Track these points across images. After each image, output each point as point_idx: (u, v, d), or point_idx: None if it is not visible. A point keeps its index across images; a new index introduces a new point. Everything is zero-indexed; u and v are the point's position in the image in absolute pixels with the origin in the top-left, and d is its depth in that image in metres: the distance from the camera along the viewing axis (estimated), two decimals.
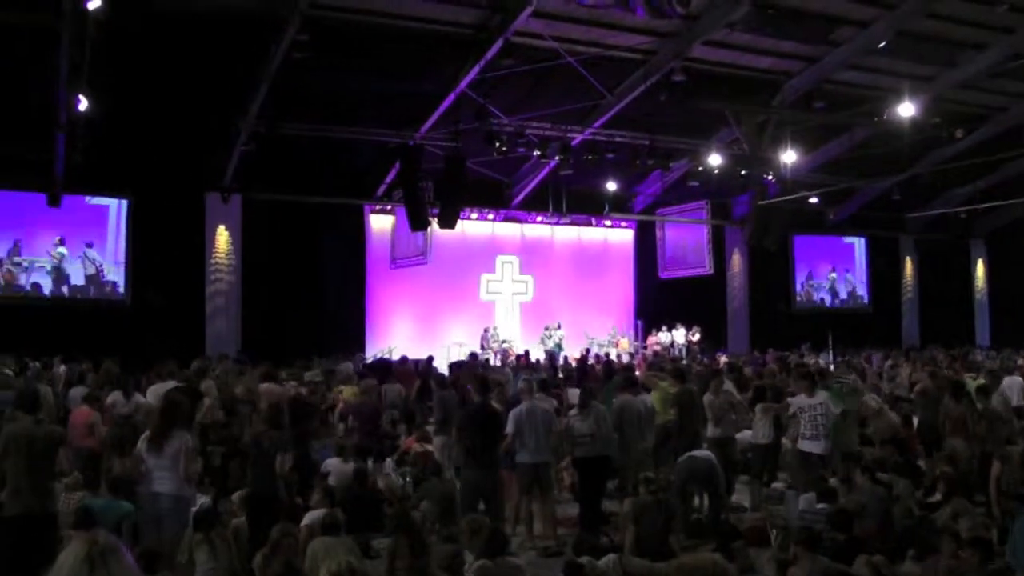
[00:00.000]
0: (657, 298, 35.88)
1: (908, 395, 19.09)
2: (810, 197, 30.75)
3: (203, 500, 10.39)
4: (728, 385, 15.27)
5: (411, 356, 24.66)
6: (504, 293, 33.99)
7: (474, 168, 27.79)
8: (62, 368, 20.55)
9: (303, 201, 28.64)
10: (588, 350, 30.80)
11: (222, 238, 28.19)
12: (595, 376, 21.02)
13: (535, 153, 27.10)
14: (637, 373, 18.82)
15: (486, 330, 31.50)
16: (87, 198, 27.33)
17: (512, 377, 20.54)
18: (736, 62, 26.58)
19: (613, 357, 29.29)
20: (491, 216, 33.50)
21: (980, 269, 43.91)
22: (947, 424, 14.30)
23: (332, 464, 12.71)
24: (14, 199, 26.40)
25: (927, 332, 40.12)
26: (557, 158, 27.20)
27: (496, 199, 33.05)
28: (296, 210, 28.67)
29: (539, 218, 33.94)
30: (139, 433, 10.40)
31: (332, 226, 30.09)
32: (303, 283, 29.01)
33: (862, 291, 41.67)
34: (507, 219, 33.87)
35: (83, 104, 20.35)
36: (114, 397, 14.30)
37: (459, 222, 27.42)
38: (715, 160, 28.41)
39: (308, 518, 9.77)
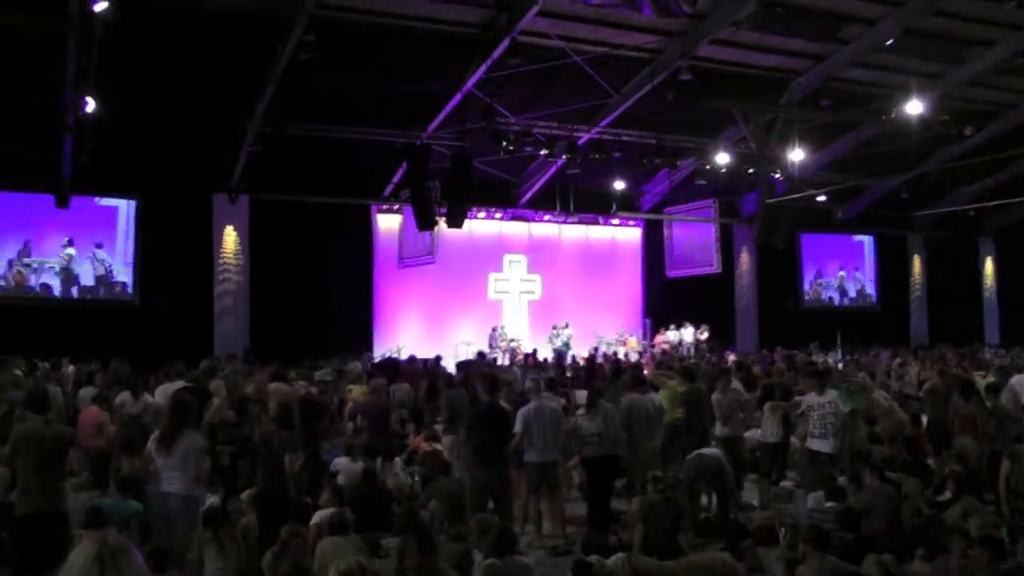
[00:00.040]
0: (665, 297, 35.89)
1: (917, 393, 19.05)
2: (818, 195, 30.73)
3: (212, 499, 10.40)
4: (736, 384, 15.25)
5: (419, 355, 24.65)
6: (512, 292, 33.97)
7: (481, 167, 27.79)
8: (71, 368, 20.62)
9: (310, 201, 28.66)
10: (596, 349, 30.81)
11: (230, 238, 28.21)
12: (603, 375, 21.02)
13: (542, 152, 27.13)
14: (645, 372, 18.79)
15: (494, 329, 31.47)
16: (96, 199, 27.39)
17: (519, 376, 20.54)
18: (743, 60, 26.59)
19: (621, 356, 29.29)
20: (498, 215, 33.50)
21: (989, 267, 43.79)
22: (956, 422, 14.26)
23: (341, 463, 12.73)
24: (23, 200, 26.47)
25: (936, 330, 39.99)
26: (564, 157, 27.19)
27: (503, 198, 33.04)
28: (303, 210, 28.71)
29: (546, 217, 33.93)
30: (148, 433, 10.41)
31: (339, 226, 30.11)
32: (311, 283, 29.06)
33: (871, 289, 41.57)
34: (514, 218, 33.87)
35: (90, 105, 20.40)
36: (123, 397, 14.32)
37: (466, 221, 27.45)
38: (722, 159, 28.41)
39: (317, 517, 9.78)
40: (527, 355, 27.80)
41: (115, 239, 27.79)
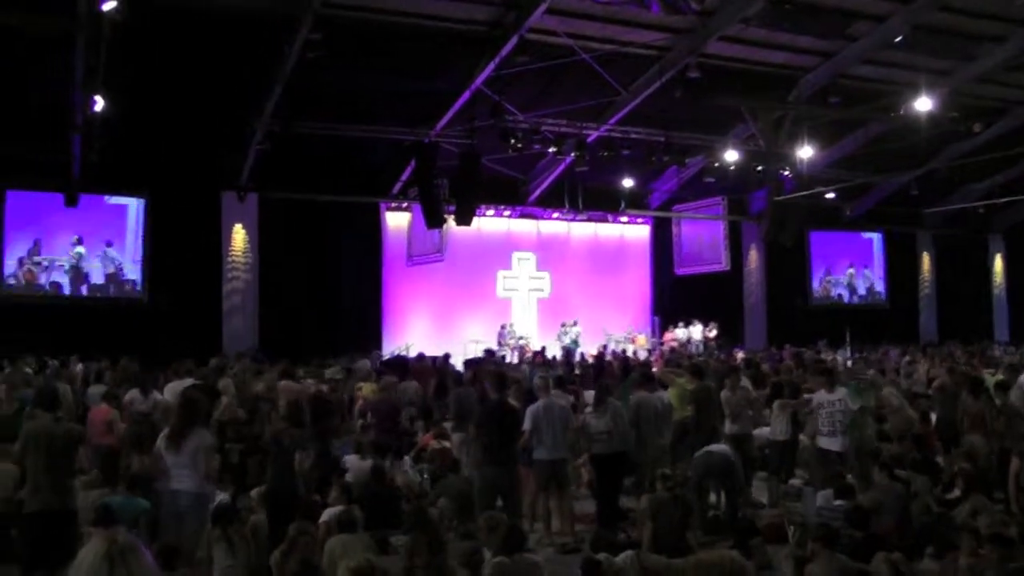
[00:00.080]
0: (674, 294, 35.89)
1: (926, 391, 19.00)
2: (826, 193, 30.69)
3: (222, 497, 10.41)
4: (745, 381, 15.25)
5: (428, 353, 24.66)
6: (521, 290, 33.95)
7: (489, 165, 27.78)
8: (79, 367, 20.66)
9: (319, 199, 28.69)
10: (605, 346, 30.81)
11: (238, 237, 28.26)
12: (612, 373, 21.01)
13: (551, 150, 27.08)
14: (654, 369, 18.78)
15: (503, 327, 31.46)
16: (106, 198, 27.46)
17: (528, 374, 20.54)
18: (751, 58, 26.55)
19: (630, 354, 29.28)
20: (507, 213, 33.49)
21: (998, 264, 43.67)
22: (965, 420, 14.25)
23: (350, 461, 12.73)
24: (34, 199, 26.57)
25: (945, 328, 39.92)
26: (573, 155, 27.18)
27: (512, 196, 33.04)
28: (312, 208, 28.74)
29: (555, 215, 33.91)
30: (157, 431, 10.43)
31: (348, 224, 30.13)
32: (319, 281, 29.10)
33: (880, 287, 41.49)
34: (523, 216, 33.85)
35: (99, 104, 20.42)
36: (132, 395, 14.32)
37: (475, 219, 27.42)
38: (731, 156, 28.39)
39: (326, 515, 9.78)
40: (536, 353, 27.81)
41: (125, 237, 27.86)
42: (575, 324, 31.98)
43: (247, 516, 10.03)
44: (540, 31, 23.12)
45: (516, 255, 33.93)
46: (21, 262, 26.56)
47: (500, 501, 11.28)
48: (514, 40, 22.57)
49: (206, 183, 27.44)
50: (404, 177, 29.81)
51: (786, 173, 28.78)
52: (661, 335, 34.51)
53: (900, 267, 41.21)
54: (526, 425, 11.81)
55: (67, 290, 27.13)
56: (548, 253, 34.44)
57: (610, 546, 9.15)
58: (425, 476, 13.58)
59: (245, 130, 25.36)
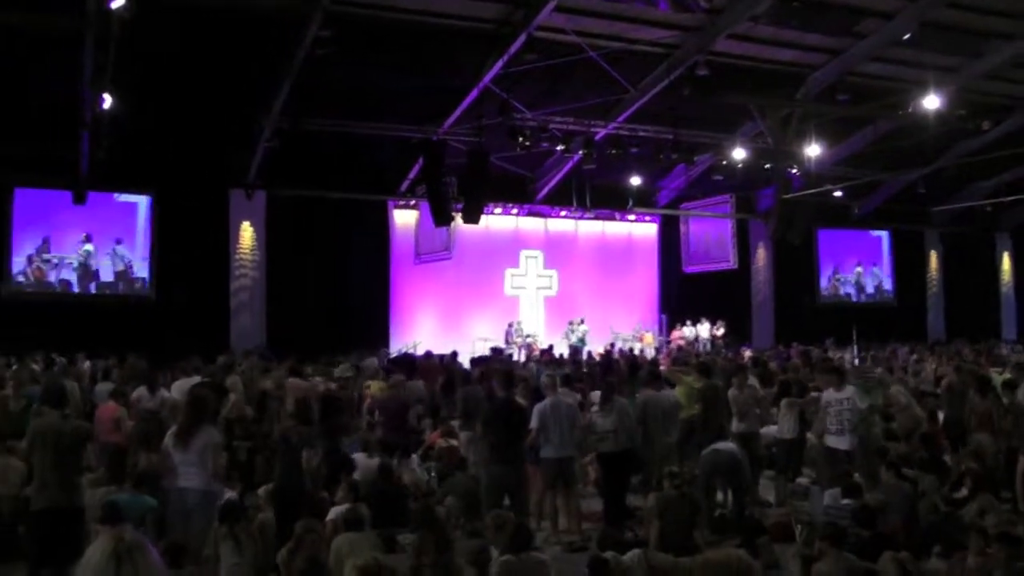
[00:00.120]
0: (681, 293, 35.86)
1: (933, 390, 18.96)
2: (834, 191, 30.66)
3: (229, 495, 10.42)
4: (752, 380, 15.24)
5: (435, 351, 24.67)
6: (528, 288, 33.95)
7: (497, 163, 27.79)
8: (86, 364, 20.71)
9: (327, 197, 28.69)
10: (612, 345, 30.80)
11: (246, 234, 28.28)
12: (619, 371, 20.99)
13: (559, 148, 27.10)
14: (662, 368, 18.77)
15: (510, 325, 31.48)
16: (116, 195, 27.51)
17: (535, 372, 20.54)
18: (760, 55, 26.53)
19: (637, 352, 29.27)
20: (515, 211, 33.49)
21: (1006, 262, 43.62)
22: (973, 419, 14.24)
23: (357, 459, 12.73)
24: (43, 197, 26.57)
25: (952, 326, 39.88)
26: (581, 152, 27.13)
27: (520, 194, 33.03)
28: (320, 206, 28.76)
29: (563, 213, 33.92)
30: (165, 428, 10.44)
31: (356, 222, 30.12)
32: (327, 279, 29.13)
33: (888, 285, 41.46)
34: (531, 214, 33.87)
35: (107, 102, 20.45)
36: (139, 392, 14.35)
37: (483, 217, 27.37)
38: (739, 154, 28.41)
39: (332, 513, 9.79)
40: (543, 351, 27.81)
41: (135, 235, 27.91)
42: (582, 322, 32.00)
43: (254, 514, 10.05)
44: (548, 29, 23.12)
45: (524, 253, 33.94)
46: (30, 259, 26.61)
47: (507, 499, 11.30)
48: (522, 38, 22.61)
49: (214, 181, 27.48)
50: (412, 175, 29.83)
51: (794, 171, 28.77)
52: (668, 333, 34.54)
53: (908, 265, 41.24)
54: (533, 423, 11.82)
55: (76, 288, 27.16)
56: (556, 251, 34.46)
57: (617, 544, 9.14)
58: (432, 474, 13.60)
59: (253, 127, 25.42)
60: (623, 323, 33.94)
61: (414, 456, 14.28)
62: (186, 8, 20.54)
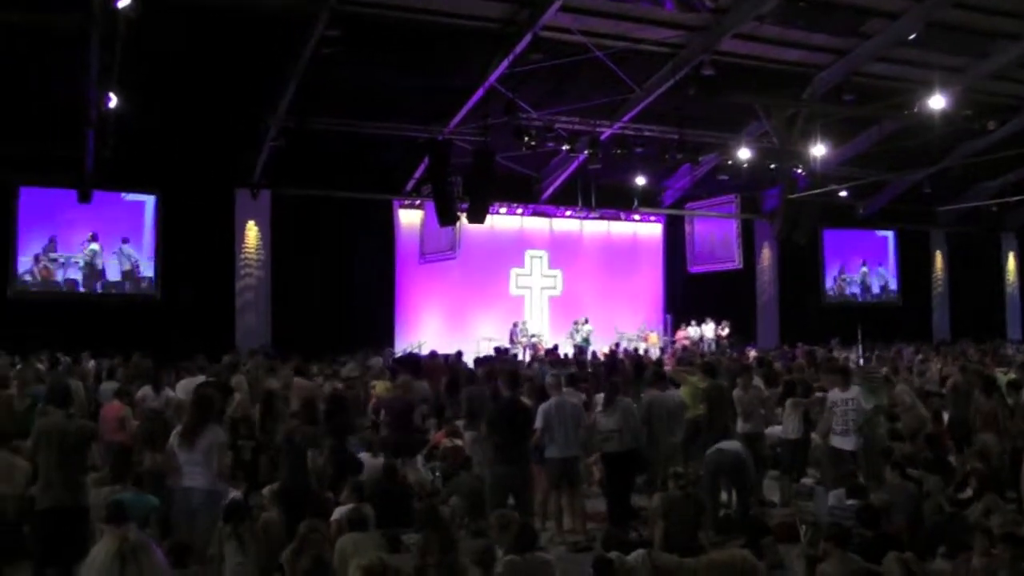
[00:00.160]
0: (686, 292, 35.84)
1: (938, 390, 18.94)
2: (840, 191, 30.64)
3: (234, 494, 10.43)
4: (756, 380, 15.23)
5: (440, 351, 24.67)
6: (533, 288, 33.94)
7: (503, 163, 27.76)
8: (91, 363, 20.72)
9: (332, 196, 28.66)
10: (617, 345, 30.80)
11: (251, 234, 28.29)
12: (624, 371, 20.99)
13: (564, 147, 27.07)
14: (666, 368, 18.76)
15: (515, 324, 31.47)
16: (124, 195, 27.52)
17: (539, 371, 20.54)
18: (765, 55, 26.55)
19: (642, 352, 29.27)
20: (520, 211, 33.46)
21: (1011, 262, 43.60)
22: (978, 419, 14.22)
23: (362, 459, 12.74)
24: (50, 196, 26.50)
25: (958, 326, 39.88)
26: (586, 152, 27.10)
27: (525, 193, 33.02)
28: (325, 205, 28.74)
29: (568, 212, 33.90)
30: (169, 428, 10.45)
31: (361, 221, 30.13)
32: (332, 278, 29.13)
33: (894, 285, 41.42)
34: (536, 213, 33.84)
35: (113, 101, 20.46)
36: (144, 391, 14.38)
37: (488, 217, 27.36)
38: (744, 154, 28.38)
39: (337, 513, 9.80)
40: (548, 351, 27.80)
41: (142, 234, 27.91)
42: (586, 322, 31.97)
43: (258, 514, 10.05)
44: (554, 28, 23.14)
45: (529, 253, 33.91)
46: (37, 259, 26.60)
47: (512, 499, 11.29)
48: (528, 37, 22.62)
49: (219, 180, 27.49)
50: (417, 175, 29.83)
51: (799, 171, 28.72)
52: (673, 333, 34.52)
53: (913, 265, 41.18)
54: (538, 423, 11.81)
55: (82, 287, 27.18)
56: (561, 251, 34.44)
57: (622, 545, 9.15)
58: (437, 474, 13.61)
59: (259, 127, 25.42)
60: (628, 323, 33.92)
61: (419, 456, 14.29)
62: (192, 7, 20.56)
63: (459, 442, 14.67)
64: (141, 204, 27.93)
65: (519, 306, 33.32)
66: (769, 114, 27.79)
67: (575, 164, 30.26)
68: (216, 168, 26.83)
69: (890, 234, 41.03)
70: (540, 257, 34.09)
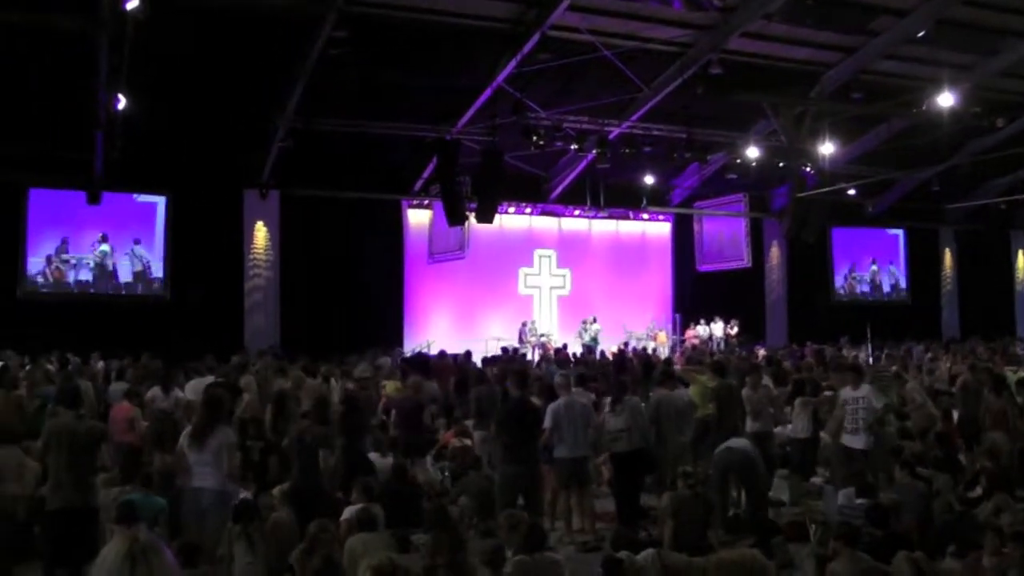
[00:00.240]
0: (695, 291, 35.80)
1: (948, 388, 18.91)
2: (848, 189, 30.60)
3: (243, 495, 10.44)
4: (765, 379, 15.22)
5: (449, 350, 24.67)
6: (542, 287, 33.94)
7: (511, 162, 27.80)
8: (100, 364, 20.76)
9: (341, 196, 28.70)
10: (626, 344, 30.79)
11: (260, 234, 28.33)
12: (633, 371, 20.98)
13: (572, 147, 27.10)
14: (676, 367, 18.76)
15: (524, 324, 31.48)
16: (136, 196, 27.57)
17: (547, 371, 20.55)
18: (773, 54, 26.51)
19: (651, 351, 29.26)
20: (528, 210, 33.48)
21: (1021, 260, 43.43)
22: (988, 418, 14.20)
23: (372, 459, 12.75)
24: (62, 197, 26.51)
25: (967, 324, 39.74)
26: (594, 151, 27.11)
27: (533, 193, 33.02)
28: (334, 205, 28.76)
29: (577, 212, 33.90)
30: (179, 428, 10.47)
31: (370, 221, 30.13)
32: (341, 278, 29.10)
33: (904, 283, 41.35)
34: (545, 213, 33.85)
35: (122, 103, 20.49)
36: (153, 392, 14.40)
37: (496, 216, 27.35)
38: (753, 152, 28.37)
39: (346, 513, 9.80)
40: (557, 350, 27.80)
41: (154, 235, 27.93)
42: (595, 321, 31.98)
43: (268, 514, 10.06)
44: (562, 28, 23.14)
45: (537, 252, 33.91)
46: (49, 260, 26.64)
47: (521, 499, 11.31)
48: (536, 37, 22.64)
49: (228, 181, 27.52)
50: (426, 174, 29.83)
51: (808, 169, 28.66)
52: (682, 332, 34.48)
53: (922, 263, 41.11)
54: (547, 423, 11.81)
55: (93, 288, 27.22)
56: (569, 250, 34.44)
57: (631, 544, 9.13)
58: (446, 474, 13.61)
59: (267, 127, 25.46)
60: (637, 322, 33.91)
61: (428, 456, 14.30)
62: (200, 9, 20.58)
63: (468, 442, 14.68)
64: (153, 205, 27.95)
65: (528, 305, 33.33)
66: (777, 112, 27.71)
67: (583, 163, 30.24)
68: (224, 169, 26.85)
69: (900, 232, 40.94)
70: (549, 256, 34.09)
